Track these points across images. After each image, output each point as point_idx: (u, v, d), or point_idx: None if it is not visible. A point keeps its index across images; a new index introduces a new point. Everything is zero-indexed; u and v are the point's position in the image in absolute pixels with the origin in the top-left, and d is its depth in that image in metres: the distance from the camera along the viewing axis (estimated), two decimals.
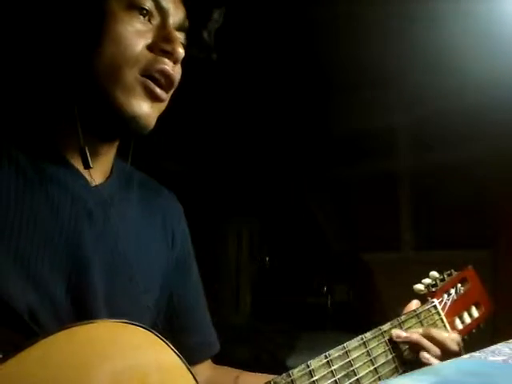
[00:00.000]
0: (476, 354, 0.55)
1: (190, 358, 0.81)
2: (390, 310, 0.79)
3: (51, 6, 0.65)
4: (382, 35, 2.38)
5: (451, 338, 0.75)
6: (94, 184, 0.69)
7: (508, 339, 0.64)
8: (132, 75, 0.64)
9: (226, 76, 0.79)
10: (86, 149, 0.65)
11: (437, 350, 0.72)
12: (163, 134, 0.72)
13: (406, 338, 0.72)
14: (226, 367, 0.89)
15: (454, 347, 0.73)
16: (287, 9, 2.34)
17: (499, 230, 2.46)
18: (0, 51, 0.75)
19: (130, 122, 0.65)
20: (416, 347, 0.73)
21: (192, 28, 0.72)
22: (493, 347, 0.59)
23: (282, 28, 2.49)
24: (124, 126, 0.65)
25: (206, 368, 0.85)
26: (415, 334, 0.73)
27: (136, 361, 0.55)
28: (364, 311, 2.90)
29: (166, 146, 2.69)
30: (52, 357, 0.50)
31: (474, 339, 0.86)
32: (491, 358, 0.53)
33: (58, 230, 0.62)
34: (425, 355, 0.72)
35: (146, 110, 0.65)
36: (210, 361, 0.87)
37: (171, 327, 0.80)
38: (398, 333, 0.73)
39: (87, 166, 0.65)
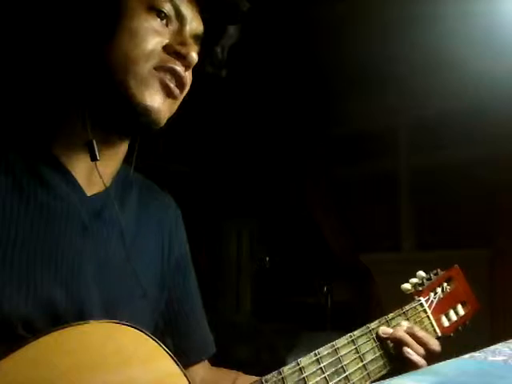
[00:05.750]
0: (476, 354, 0.55)
1: (187, 359, 0.82)
2: (390, 310, 0.79)
3: None
4: (382, 35, 2.38)
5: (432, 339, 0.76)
6: (90, 193, 0.68)
7: (508, 339, 0.64)
8: (147, 68, 0.64)
9: (226, 77, 0.79)
10: (94, 141, 0.64)
11: (419, 348, 0.74)
12: (166, 137, 0.72)
13: (392, 334, 0.74)
14: (223, 369, 0.89)
15: (435, 347, 0.75)
16: (287, 9, 2.34)
17: (498, 229, 2.46)
18: (9, 47, 0.76)
19: (142, 114, 0.64)
20: (401, 344, 0.74)
21: (206, 42, 0.72)
22: (493, 347, 0.59)
23: (282, 29, 2.49)
24: (135, 119, 0.65)
25: (201, 368, 0.86)
26: (400, 331, 0.74)
27: (127, 363, 0.55)
28: (364, 311, 2.90)
29: (167, 146, 2.69)
30: (45, 357, 0.50)
31: (474, 339, 0.86)
32: (491, 358, 0.53)
33: (54, 241, 0.62)
34: (407, 350, 0.73)
35: (158, 103, 0.65)
36: (206, 361, 0.87)
37: (169, 330, 0.80)
38: (385, 329, 0.74)
39: (94, 158, 0.65)
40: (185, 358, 0.82)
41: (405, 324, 0.76)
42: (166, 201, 0.84)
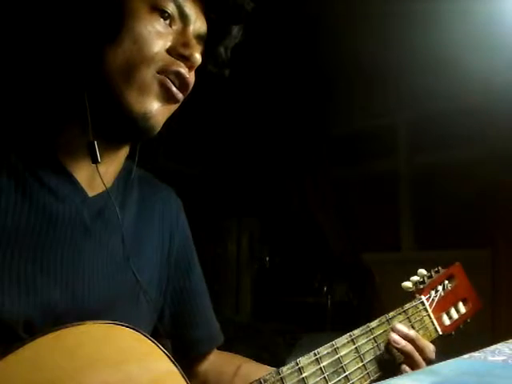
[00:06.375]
0: (476, 354, 0.55)
1: (197, 350, 0.83)
2: (390, 310, 0.79)
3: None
4: (382, 35, 2.38)
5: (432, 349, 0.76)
6: (92, 194, 0.68)
7: (508, 339, 0.64)
8: (149, 73, 0.63)
9: (227, 77, 0.79)
10: (95, 143, 0.64)
11: (421, 364, 0.73)
12: (165, 135, 0.71)
13: (403, 347, 0.73)
14: (229, 354, 0.89)
15: (430, 355, 0.75)
16: (287, 8, 2.35)
17: (499, 229, 2.46)
18: (7, 48, 0.75)
19: (139, 120, 0.64)
20: (405, 354, 0.74)
21: (209, 42, 0.72)
22: (493, 347, 0.59)
23: (282, 28, 2.50)
24: (132, 125, 0.64)
25: (210, 355, 0.86)
26: (409, 346, 0.73)
27: (125, 363, 0.55)
28: (364, 311, 2.90)
29: (168, 145, 2.69)
30: (42, 359, 0.50)
31: (474, 339, 0.86)
32: (491, 358, 0.53)
33: (55, 242, 0.62)
34: (405, 368, 0.73)
35: (156, 108, 0.65)
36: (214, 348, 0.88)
37: (176, 322, 0.81)
38: (397, 339, 0.73)
39: (95, 161, 0.64)
40: (195, 349, 0.83)
41: (403, 329, 0.75)
42: (165, 193, 0.84)
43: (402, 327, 0.74)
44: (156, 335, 0.74)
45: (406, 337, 0.74)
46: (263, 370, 0.75)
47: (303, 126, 3.37)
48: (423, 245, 3.02)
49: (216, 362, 0.86)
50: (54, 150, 0.66)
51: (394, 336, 0.73)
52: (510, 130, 2.30)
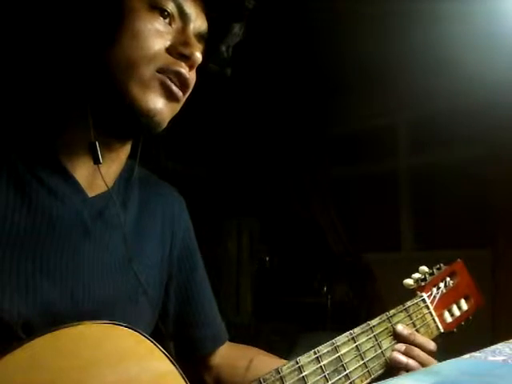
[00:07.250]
0: (476, 354, 0.55)
1: (201, 350, 0.83)
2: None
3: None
4: (382, 35, 2.38)
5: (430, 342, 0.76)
6: (92, 194, 0.68)
7: (508, 339, 0.64)
8: (149, 71, 0.63)
9: (227, 77, 0.79)
10: (97, 143, 0.64)
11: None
12: (165, 134, 0.71)
13: (410, 367, 0.72)
14: (242, 347, 0.89)
15: (432, 348, 0.75)
16: (286, 8, 2.34)
17: (498, 229, 2.46)
18: (9, 49, 0.75)
19: (144, 117, 0.64)
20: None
21: (210, 40, 0.71)
22: (493, 347, 0.59)
23: (282, 28, 2.49)
24: (137, 122, 0.64)
25: (222, 349, 0.86)
26: (415, 363, 0.73)
27: (124, 363, 0.55)
28: (364, 311, 2.90)
29: (168, 145, 2.69)
30: (40, 359, 0.49)
31: (474, 339, 0.86)
32: (491, 358, 0.53)
33: (54, 242, 0.62)
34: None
35: (160, 106, 0.64)
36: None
37: (181, 320, 0.81)
38: (400, 361, 0.72)
39: (97, 161, 0.64)
40: (201, 347, 0.83)
41: (402, 331, 0.74)
42: (167, 191, 0.84)
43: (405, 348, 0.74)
44: (157, 337, 0.73)
45: (409, 354, 0.73)
46: (276, 362, 0.75)
47: (303, 126, 3.37)
48: (423, 245, 3.02)
49: (228, 355, 0.86)
50: (54, 150, 0.66)
51: (399, 356, 0.72)
52: (511, 129, 2.30)
